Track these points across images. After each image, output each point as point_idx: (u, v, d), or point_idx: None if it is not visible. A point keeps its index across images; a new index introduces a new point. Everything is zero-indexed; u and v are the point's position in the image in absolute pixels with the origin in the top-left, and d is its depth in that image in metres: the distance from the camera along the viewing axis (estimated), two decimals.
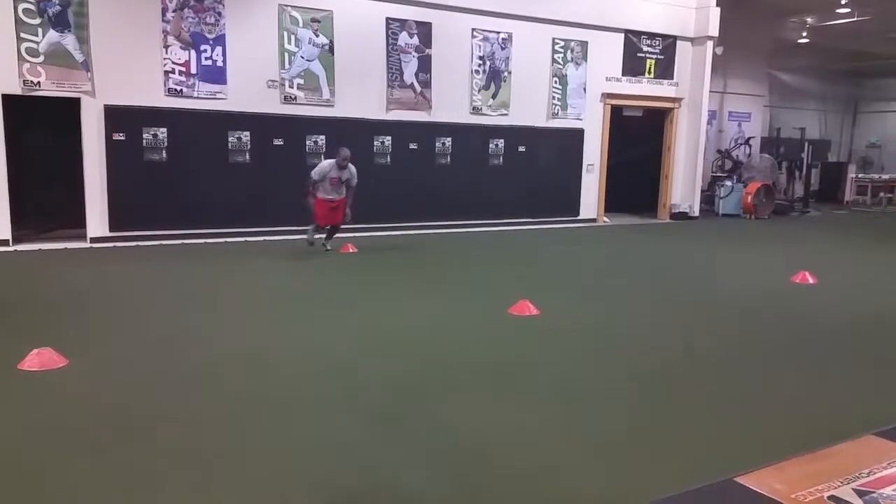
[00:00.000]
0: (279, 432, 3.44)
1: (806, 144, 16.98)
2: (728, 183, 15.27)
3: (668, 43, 13.57)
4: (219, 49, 9.61)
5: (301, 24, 10.13)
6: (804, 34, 17.73)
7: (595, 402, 3.99)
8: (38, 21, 8.49)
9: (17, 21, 8.38)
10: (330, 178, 8.41)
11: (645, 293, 6.98)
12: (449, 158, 11.52)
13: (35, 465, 3.05)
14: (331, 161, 8.55)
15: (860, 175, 19.83)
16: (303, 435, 3.43)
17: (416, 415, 3.74)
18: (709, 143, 15.81)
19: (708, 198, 15.45)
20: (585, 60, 12.68)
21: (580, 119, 12.79)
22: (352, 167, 8.53)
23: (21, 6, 8.38)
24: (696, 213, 14.28)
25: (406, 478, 3.02)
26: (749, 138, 17.32)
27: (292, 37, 10.10)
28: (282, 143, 10.14)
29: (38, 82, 8.57)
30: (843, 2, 14.80)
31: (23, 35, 8.42)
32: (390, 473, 3.06)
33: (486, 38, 11.66)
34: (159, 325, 5.37)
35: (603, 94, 12.99)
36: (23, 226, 9.01)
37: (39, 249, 8.62)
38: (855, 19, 15.73)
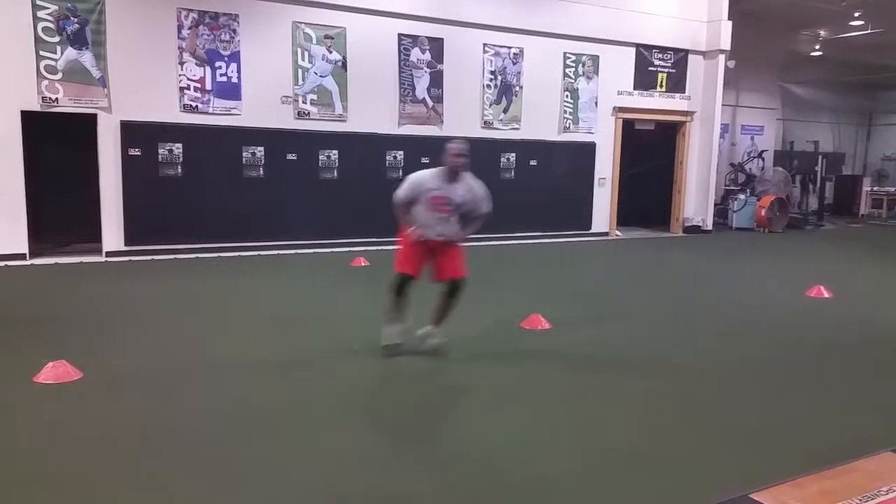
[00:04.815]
0: (292, 442, 3.45)
1: (819, 157, 16.89)
2: (741, 196, 15.18)
3: (680, 56, 13.57)
4: (233, 66, 9.71)
5: (314, 41, 10.22)
6: (817, 47, 17.70)
7: (605, 417, 3.96)
8: (56, 39, 8.63)
9: (37, 39, 8.51)
10: None
11: (657, 307, 6.94)
12: None
13: (50, 477, 3.07)
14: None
15: (875, 188, 19.65)
16: (308, 444, 3.45)
17: (424, 425, 3.74)
18: (721, 157, 15.75)
19: (721, 211, 15.36)
20: (597, 74, 12.70)
21: (592, 133, 12.79)
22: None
23: (40, 25, 8.52)
24: (710, 227, 14.20)
25: (411, 488, 3.02)
26: (762, 151, 17.24)
27: (306, 53, 10.19)
28: (295, 157, 10.21)
29: (56, 98, 8.69)
30: (856, 14, 14.77)
31: (42, 53, 8.55)
32: (395, 483, 3.05)
33: (497, 53, 11.72)
34: (173, 338, 5.40)
35: (614, 108, 12.99)
36: (40, 240, 9.10)
37: (56, 263, 8.70)
38: (869, 32, 15.68)
